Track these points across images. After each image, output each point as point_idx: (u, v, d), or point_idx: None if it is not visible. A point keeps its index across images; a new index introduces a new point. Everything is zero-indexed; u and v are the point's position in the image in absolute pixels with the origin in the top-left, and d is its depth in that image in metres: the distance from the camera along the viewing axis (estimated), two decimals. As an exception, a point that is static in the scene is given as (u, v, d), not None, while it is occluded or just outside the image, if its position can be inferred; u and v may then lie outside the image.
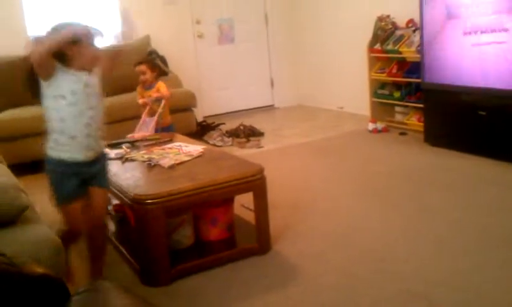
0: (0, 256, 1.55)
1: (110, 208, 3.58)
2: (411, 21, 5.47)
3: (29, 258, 1.75)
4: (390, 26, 5.70)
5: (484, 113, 4.35)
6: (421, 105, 5.11)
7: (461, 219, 3.28)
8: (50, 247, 2.07)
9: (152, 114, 4.30)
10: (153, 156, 3.28)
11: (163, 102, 4.34)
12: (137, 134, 4.01)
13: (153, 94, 4.37)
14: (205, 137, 5.74)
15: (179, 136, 3.87)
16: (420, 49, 4.96)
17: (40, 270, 1.68)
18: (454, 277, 2.61)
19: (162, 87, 4.44)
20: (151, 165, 3.14)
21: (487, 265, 2.71)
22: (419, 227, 3.23)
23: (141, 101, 4.41)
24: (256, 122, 6.12)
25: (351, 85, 6.48)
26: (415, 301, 2.45)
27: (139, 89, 4.49)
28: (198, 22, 6.94)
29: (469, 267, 2.70)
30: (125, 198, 2.86)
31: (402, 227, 3.25)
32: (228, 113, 6.99)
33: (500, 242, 2.92)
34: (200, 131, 5.91)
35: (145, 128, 4.18)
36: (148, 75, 4.42)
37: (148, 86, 4.44)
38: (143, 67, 4.43)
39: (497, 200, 3.53)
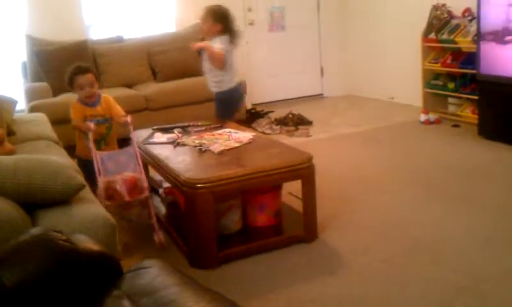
0: (57, 233, 1.62)
1: (161, 191, 3.67)
2: (467, 10, 5.32)
3: (85, 236, 1.82)
4: (446, 15, 5.56)
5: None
6: (476, 97, 4.97)
7: (515, 214, 3.20)
8: (104, 226, 2.13)
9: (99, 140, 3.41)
10: (203, 141, 3.33)
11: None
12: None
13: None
14: (254, 125, 5.77)
15: (229, 123, 3.91)
16: (477, 39, 4.82)
17: (95, 247, 1.74)
18: (503, 274, 2.55)
19: (113, 103, 3.49)
20: (201, 151, 3.19)
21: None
22: (470, 222, 3.16)
23: (86, 125, 3.29)
24: (305, 111, 6.10)
25: (402, 75, 6.36)
26: (463, 294, 2.41)
27: (78, 106, 3.41)
28: (249, 10, 6.95)
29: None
30: (176, 181, 2.92)
31: (453, 221, 3.19)
32: (277, 101, 6.99)
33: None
34: (249, 118, 5.94)
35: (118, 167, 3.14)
36: (95, 88, 3.42)
37: (93, 102, 3.43)
38: (90, 76, 3.39)
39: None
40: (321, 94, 7.46)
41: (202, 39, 4.12)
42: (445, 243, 2.92)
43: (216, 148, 3.17)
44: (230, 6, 6.69)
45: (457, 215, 3.27)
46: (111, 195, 2.98)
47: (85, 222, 2.13)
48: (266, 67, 7.07)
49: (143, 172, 3.14)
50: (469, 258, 2.73)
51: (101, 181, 3.01)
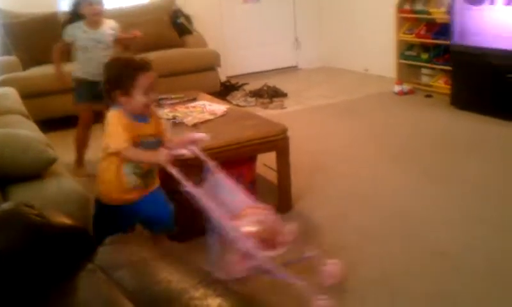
0: (28, 208, 1.60)
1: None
2: (441, -20, 5.33)
3: (56, 210, 1.80)
4: (420, -14, 5.57)
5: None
6: (449, 68, 5.02)
7: (486, 182, 3.26)
8: (76, 200, 2.12)
9: None
10: (177, 114, 3.30)
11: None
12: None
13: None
14: (229, 97, 5.74)
15: (203, 95, 3.88)
16: (450, 10, 4.85)
17: (67, 221, 1.72)
18: (473, 240, 2.62)
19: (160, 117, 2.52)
20: (175, 123, 3.16)
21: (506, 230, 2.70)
22: (443, 190, 3.22)
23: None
24: (280, 83, 6.08)
25: (377, 46, 6.37)
26: (437, 262, 2.46)
27: (126, 121, 2.21)
28: (223, -20, 6.86)
29: (489, 231, 2.70)
30: (149, 155, 2.89)
31: (426, 190, 3.25)
32: (251, 73, 6.95)
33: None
34: (224, 91, 5.90)
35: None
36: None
37: (146, 114, 2.30)
38: (153, 75, 2.34)
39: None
40: (296, 66, 7.44)
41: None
42: (418, 211, 2.98)
43: (190, 120, 3.15)
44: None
45: (430, 183, 3.33)
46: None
47: (57, 196, 2.12)
48: (240, 39, 6.99)
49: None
50: (442, 225, 2.79)
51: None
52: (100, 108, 3.25)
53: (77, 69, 3.78)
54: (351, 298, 2.25)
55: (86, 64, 3.68)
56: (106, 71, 2.29)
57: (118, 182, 2.24)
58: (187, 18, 6.17)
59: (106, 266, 1.58)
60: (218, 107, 3.41)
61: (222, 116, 3.26)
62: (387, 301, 2.22)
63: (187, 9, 6.23)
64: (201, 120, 3.16)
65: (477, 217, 2.85)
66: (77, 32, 3.68)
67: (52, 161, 2.21)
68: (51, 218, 1.66)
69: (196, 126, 3.08)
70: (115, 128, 2.17)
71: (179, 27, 6.02)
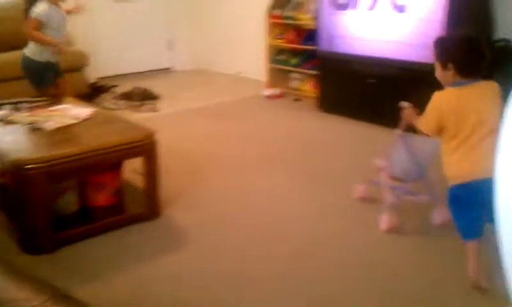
0: None
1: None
2: (308, -12, 5.54)
3: None
4: (289, -8, 5.74)
5: (373, 81, 4.53)
6: (316, 73, 5.22)
7: (344, 178, 3.43)
8: None
9: None
10: (37, 118, 3.10)
11: None
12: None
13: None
14: (98, 100, 5.52)
15: (67, 98, 3.68)
16: (316, 17, 5.05)
17: None
18: (335, 236, 2.74)
19: None
20: (34, 128, 2.96)
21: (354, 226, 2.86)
22: (307, 187, 3.34)
23: None
24: (153, 85, 5.96)
25: (249, 50, 6.48)
26: (300, 258, 2.54)
27: None
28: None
29: (345, 226, 2.84)
30: (5, 163, 2.69)
31: (292, 188, 3.35)
32: (124, 75, 6.74)
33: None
34: (92, 93, 5.65)
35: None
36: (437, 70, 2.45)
37: None
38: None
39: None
40: (170, 68, 7.36)
41: None
42: (285, 209, 3.07)
43: (51, 125, 2.97)
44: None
45: (296, 181, 3.44)
46: None
47: None
48: (112, 39, 6.76)
49: None
50: (306, 224, 2.89)
51: None
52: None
53: (37, 52, 3.88)
54: (221, 299, 2.24)
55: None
56: None
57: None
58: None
59: None
60: (82, 111, 3.25)
61: (86, 119, 3.11)
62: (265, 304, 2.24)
63: (51, 6, 5.89)
64: (63, 125, 2.99)
65: (334, 211, 2.99)
66: (49, 11, 3.79)
67: None
68: None
69: (57, 131, 2.91)
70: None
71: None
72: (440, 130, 2.32)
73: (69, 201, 2.84)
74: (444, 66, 2.31)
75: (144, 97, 5.54)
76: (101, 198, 2.94)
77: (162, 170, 3.00)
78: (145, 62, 7.06)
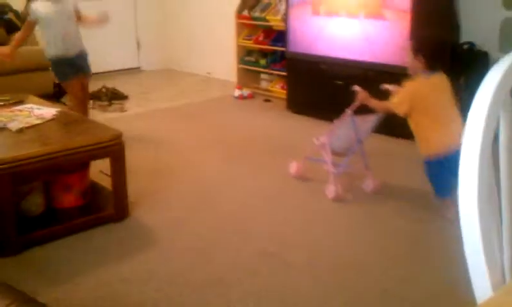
0: None
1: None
2: (277, -11, 5.56)
3: None
4: (258, -7, 5.76)
5: (341, 83, 4.57)
6: (284, 73, 5.25)
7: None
8: None
9: None
10: (1, 118, 3.04)
11: None
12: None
13: None
14: (64, 100, 5.43)
15: (31, 97, 3.62)
16: (285, 18, 5.08)
17: None
18: (300, 236, 2.77)
19: None
20: (-2, 129, 2.91)
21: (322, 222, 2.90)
22: (275, 189, 3.36)
23: None
24: (121, 85, 5.90)
25: (218, 51, 6.48)
26: (269, 259, 2.55)
27: None
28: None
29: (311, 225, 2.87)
30: (-33, 164, 2.63)
31: (260, 189, 3.37)
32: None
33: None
34: (58, 93, 5.56)
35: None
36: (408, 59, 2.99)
37: None
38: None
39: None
40: (139, 67, 7.29)
41: None
42: (251, 211, 3.08)
43: (15, 125, 2.92)
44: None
45: (264, 182, 3.47)
46: None
47: None
48: (79, 38, 6.67)
49: None
50: (273, 223, 2.91)
51: None
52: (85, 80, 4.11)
53: (48, 48, 3.95)
54: (188, 301, 2.24)
55: (60, 40, 3.87)
56: None
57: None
58: (16, 13, 5.73)
59: None
60: (47, 111, 3.20)
61: (51, 120, 3.07)
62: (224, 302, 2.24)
63: (16, 5, 5.78)
64: (28, 125, 2.94)
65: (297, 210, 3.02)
66: (37, 9, 3.79)
67: None
68: None
69: (21, 131, 2.86)
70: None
71: (7, 23, 5.57)
72: (410, 111, 2.85)
73: (35, 203, 2.79)
74: (416, 57, 2.85)
75: (112, 97, 5.48)
76: (68, 199, 2.90)
77: (129, 170, 2.98)
78: (113, 62, 6.97)
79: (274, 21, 5.48)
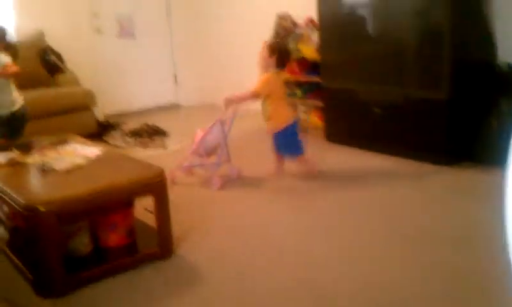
0: None
1: (2, 215, 3.36)
2: (310, 20, 5.58)
3: None
4: (290, 24, 5.79)
5: (378, 110, 4.53)
6: (321, 104, 5.23)
7: (353, 211, 3.41)
8: None
9: None
10: (47, 159, 3.11)
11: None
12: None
13: None
14: (106, 138, 5.55)
15: (76, 137, 3.70)
16: (319, 48, 5.08)
17: None
18: (342, 266, 2.72)
19: None
20: (44, 170, 2.97)
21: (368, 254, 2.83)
22: (315, 221, 3.33)
23: None
24: (161, 121, 5.99)
25: (253, 82, 6.50)
26: (304, 288, 2.51)
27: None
28: (95, 15, 6.68)
29: (354, 258, 2.81)
30: (16, 205, 2.69)
31: (297, 222, 3.34)
32: (131, 112, 6.79)
33: (389, 237, 3.07)
34: (101, 131, 5.70)
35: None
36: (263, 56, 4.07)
37: None
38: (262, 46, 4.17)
39: (387, 193, 3.73)
40: (177, 103, 7.40)
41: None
42: (289, 243, 3.04)
43: (60, 165, 2.97)
44: (74, 13, 6.46)
45: (301, 214, 3.44)
46: None
47: None
48: (117, 76, 6.84)
49: None
50: (310, 254, 2.87)
51: None
52: None
53: None
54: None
55: None
56: None
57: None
58: (58, 56, 5.92)
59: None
60: (91, 150, 3.26)
61: (95, 159, 3.12)
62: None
63: (57, 47, 5.98)
64: (73, 165, 3.00)
65: (343, 244, 2.96)
66: None
67: None
68: None
69: (67, 171, 2.91)
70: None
71: (49, 65, 5.77)
72: (267, 95, 3.97)
73: (82, 242, 2.83)
74: (270, 57, 3.96)
75: (153, 133, 5.57)
76: (113, 238, 2.92)
77: (172, 206, 2.99)
78: (152, 98, 7.12)
79: (308, 51, 5.49)
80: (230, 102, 3.98)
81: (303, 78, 5.60)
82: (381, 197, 3.68)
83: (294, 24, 5.78)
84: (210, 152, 4.05)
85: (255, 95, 3.97)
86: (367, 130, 4.69)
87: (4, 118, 3.97)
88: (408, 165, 4.24)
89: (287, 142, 4.02)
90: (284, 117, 4.00)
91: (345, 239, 3.07)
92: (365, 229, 3.17)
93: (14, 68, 3.92)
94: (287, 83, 5.79)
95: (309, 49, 5.46)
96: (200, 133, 4.10)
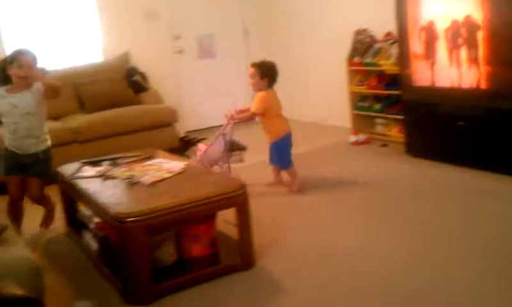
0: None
1: (92, 226, 3.55)
2: (388, 34, 5.53)
3: (8, 280, 1.72)
4: (368, 39, 5.76)
5: (462, 123, 4.40)
6: (401, 117, 5.15)
7: (439, 228, 3.31)
8: (29, 268, 2.03)
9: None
10: (134, 173, 3.26)
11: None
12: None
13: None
14: (187, 153, 5.72)
15: (160, 152, 3.85)
16: (399, 62, 5.02)
17: (19, 292, 1.65)
18: (431, 288, 2.63)
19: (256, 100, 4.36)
20: (132, 183, 3.11)
21: (463, 276, 2.73)
22: (399, 239, 3.25)
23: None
24: (239, 135, 6.08)
25: (331, 98, 6.51)
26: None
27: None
28: (177, 38, 6.94)
29: (446, 277, 2.72)
30: (106, 216, 2.84)
31: (382, 240, 3.27)
32: (210, 128, 6.96)
33: (478, 252, 2.95)
34: (182, 147, 5.88)
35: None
36: (255, 80, 4.32)
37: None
38: (252, 70, 4.38)
39: (474, 208, 3.60)
40: (254, 118, 7.49)
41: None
42: (375, 261, 2.99)
43: (147, 179, 3.11)
44: (157, 35, 6.75)
45: (387, 232, 3.36)
46: None
47: (8, 264, 2.03)
48: (198, 94, 7.05)
49: None
50: (398, 275, 2.80)
51: None
52: (30, 181, 3.64)
53: (5, 137, 3.59)
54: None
55: (11, 133, 3.53)
56: None
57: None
58: (142, 75, 6.19)
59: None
60: (176, 165, 3.38)
61: (179, 173, 3.23)
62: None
63: (142, 67, 6.26)
64: (159, 178, 3.13)
65: (434, 263, 2.88)
66: None
67: (2, 229, 2.13)
68: (2, 288, 1.59)
69: (153, 185, 3.04)
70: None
71: (134, 84, 6.04)
72: (265, 112, 4.28)
73: (167, 252, 2.93)
74: (262, 79, 4.30)
75: (231, 148, 5.67)
76: (196, 249, 3.01)
77: (253, 219, 3.04)
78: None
79: (387, 65, 5.43)
80: (231, 119, 4.34)
81: (383, 92, 5.53)
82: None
83: (372, 39, 5.73)
84: (213, 164, 4.29)
85: (253, 117, 4.42)
86: (450, 143, 4.56)
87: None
88: (499, 179, 4.07)
89: (278, 154, 4.36)
90: (276, 131, 4.34)
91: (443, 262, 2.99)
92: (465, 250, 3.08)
93: (57, 82, 3.64)
94: (366, 97, 5.81)
95: (388, 63, 5.40)
96: (202, 148, 4.38)
